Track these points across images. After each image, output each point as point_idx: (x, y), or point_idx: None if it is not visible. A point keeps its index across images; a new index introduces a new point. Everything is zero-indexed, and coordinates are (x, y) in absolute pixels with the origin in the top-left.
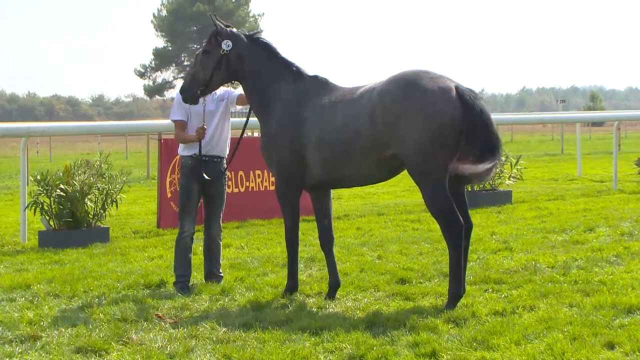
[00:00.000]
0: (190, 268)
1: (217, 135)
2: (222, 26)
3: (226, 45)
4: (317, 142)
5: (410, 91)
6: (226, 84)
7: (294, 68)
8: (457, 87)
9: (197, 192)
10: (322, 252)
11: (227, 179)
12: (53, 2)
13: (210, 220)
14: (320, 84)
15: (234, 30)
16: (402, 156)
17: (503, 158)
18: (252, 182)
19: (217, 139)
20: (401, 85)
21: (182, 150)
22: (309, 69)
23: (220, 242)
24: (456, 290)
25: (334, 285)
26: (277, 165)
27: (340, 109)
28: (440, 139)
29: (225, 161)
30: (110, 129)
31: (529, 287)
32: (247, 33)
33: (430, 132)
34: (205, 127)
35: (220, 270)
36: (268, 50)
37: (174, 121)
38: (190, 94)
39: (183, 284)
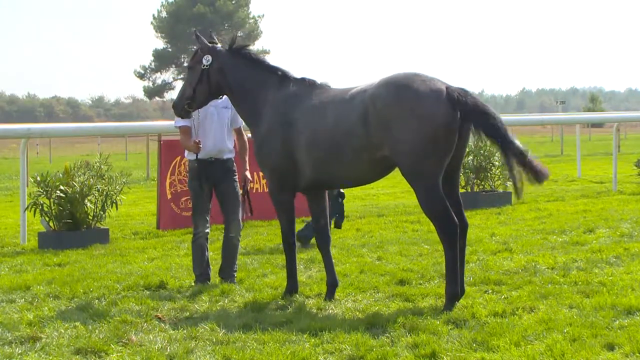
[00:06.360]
0: (209, 266)
1: (218, 139)
2: (204, 42)
3: (206, 60)
4: (308, 143)
5: (402, 94)
6: (218, 97)
7: (279, 72)
8: (447, 89)
9: (207, 193)
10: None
11: (236, 176)
12: (53, 3)
13: (228, 220)
14: (308, 86)
15: (217, 45)
16: (395, 158)
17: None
18: (257, 183)
19: (219, 143)
20: (392, 88)
21: (188, 154)
22: (306, 72)
23: (238, 242)
24: (453, 290)
25: (331, 284)
26: (270, 168)
27: (331, 110)
28: (433, 141)
29: (233, 160)
30: (110, 130)
31: (529, 289)
32: (229, 46)
33: (423, 134)
34: (197, 141)
35: (235, 269)
36: (250, 60)
37: (178, 127)
38: (179, 109)
39: (203, 282)
